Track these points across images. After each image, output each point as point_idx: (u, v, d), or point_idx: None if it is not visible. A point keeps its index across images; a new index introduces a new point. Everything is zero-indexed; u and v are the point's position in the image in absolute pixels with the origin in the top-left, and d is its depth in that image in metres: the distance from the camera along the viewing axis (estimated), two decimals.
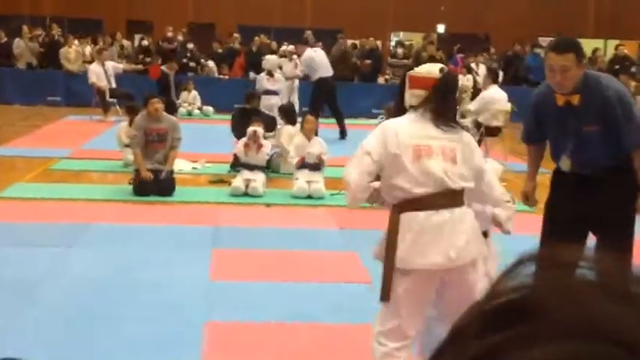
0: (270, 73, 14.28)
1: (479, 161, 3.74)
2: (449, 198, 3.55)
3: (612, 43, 22.83)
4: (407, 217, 3.51)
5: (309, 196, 9.05)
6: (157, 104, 9.20)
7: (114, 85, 17.00)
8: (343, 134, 14.32)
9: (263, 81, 14.32)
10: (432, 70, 3.76)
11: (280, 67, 15.70)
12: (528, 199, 5.02)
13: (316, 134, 9.99)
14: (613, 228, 4.80)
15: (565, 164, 4.09)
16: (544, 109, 4.64)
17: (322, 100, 14.36)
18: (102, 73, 16.90)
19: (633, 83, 15.78)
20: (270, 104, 13.41)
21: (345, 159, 3.99)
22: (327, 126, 12.60)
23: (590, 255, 0.55)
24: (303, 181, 9.17)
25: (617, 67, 18.47)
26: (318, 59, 14.93)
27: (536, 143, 4.77)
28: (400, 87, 3.89)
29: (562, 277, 0.55)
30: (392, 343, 3.53)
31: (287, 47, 18.43)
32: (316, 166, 9.26)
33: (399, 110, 3.82)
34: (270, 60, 14.93)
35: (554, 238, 4.55)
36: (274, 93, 14.11)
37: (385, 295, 3.50)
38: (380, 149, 3.56)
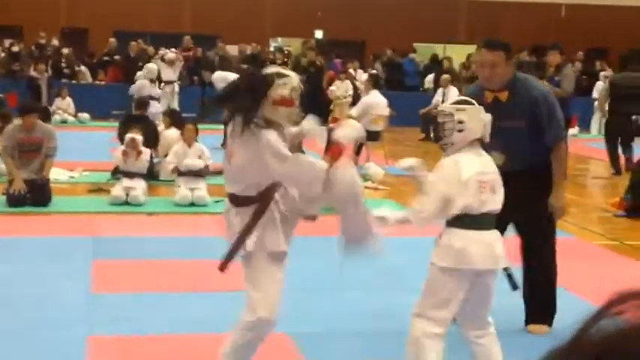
0: (152, 80, 14.14)
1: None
2: None
3: None
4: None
5: (192, 204, 8.90)
6: (34, 119, 8.85)
7: None
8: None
9: (146, 88, 14.09)
10: None
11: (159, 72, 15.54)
12: None
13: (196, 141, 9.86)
14: (533, 225, 5.04)
15: (496, 159, 4.27)
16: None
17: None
18: None
19: None
20: (151, 112, 13.23)
21: None
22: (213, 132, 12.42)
23: None
24: (185, 188, 9.02)
25: None
26: None
27: None
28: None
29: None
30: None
31: (168, 53, 18.18)
32: (198, 173, 9.12)
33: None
34: (150, 68, 14.77)
35: None
36: (155, 99, 13.97)
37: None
38: None
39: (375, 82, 13.24)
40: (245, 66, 18.47)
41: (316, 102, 19.08)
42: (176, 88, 16.18)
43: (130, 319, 5.25)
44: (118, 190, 8.99)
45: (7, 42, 21.63)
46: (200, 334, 5.03)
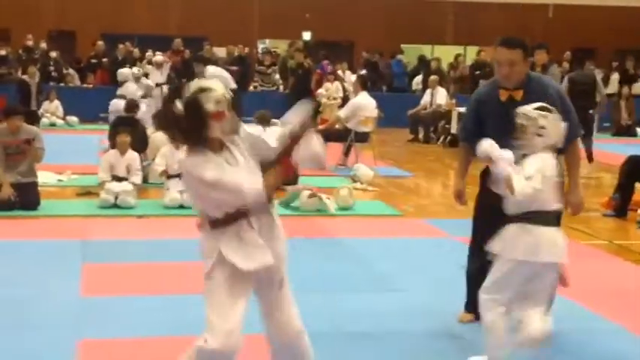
0: (120, 83, 13.96)
1: None
2: None
3: (471, 50, 23.64)
4: None
5: (182, 206, 8.89)
6: (18, 122, 8.82)
7: None
8: None
9: (131, 89, 14.01)
10: None
11: (146, 76, 15.39)
12: (460, 198, 5.28)
13: None
14: None
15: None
16: (486, 107, 5.03)
17: None
18: None
19: None
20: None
21: None
22: None
23: None
24: (174, 191, 9.01)
25: (477, 72, 19.07)
26: None
27: (473, 142, 4.75)
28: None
29: None
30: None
31: (156, 55, 18.17)
32: None
33: None
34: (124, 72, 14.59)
35: (481, 234, 4.83)
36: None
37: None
38: None
39: (363, 84, 13.27)
40: (234, 68, 18.50)
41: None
42: (164, 90, 16.16)
43: (120, 323, 5.24)
44: (107, 193, 8.98)
45: None
46: (190, 336, 5.01)
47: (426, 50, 25.99)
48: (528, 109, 4.33)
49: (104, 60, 20.49)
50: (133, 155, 9.36)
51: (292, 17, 25.44)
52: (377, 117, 13.11)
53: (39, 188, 9.02)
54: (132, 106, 11.44)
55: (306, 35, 25.78)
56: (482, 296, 4.39)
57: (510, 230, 4.31)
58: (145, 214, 8.75)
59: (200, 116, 3.54)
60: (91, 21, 24.20)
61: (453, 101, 17.12)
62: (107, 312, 5.47)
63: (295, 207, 9.06)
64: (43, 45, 21.16)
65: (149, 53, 19.85)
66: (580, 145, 10.81)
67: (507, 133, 4.31)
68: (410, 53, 25.05)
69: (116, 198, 8.96)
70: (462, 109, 16.36)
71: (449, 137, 16.37)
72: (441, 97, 17.26)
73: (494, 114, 4.91)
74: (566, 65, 20.14)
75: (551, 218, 4.30)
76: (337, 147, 12.67)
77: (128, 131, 9.62)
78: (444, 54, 23.40)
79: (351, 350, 4.93)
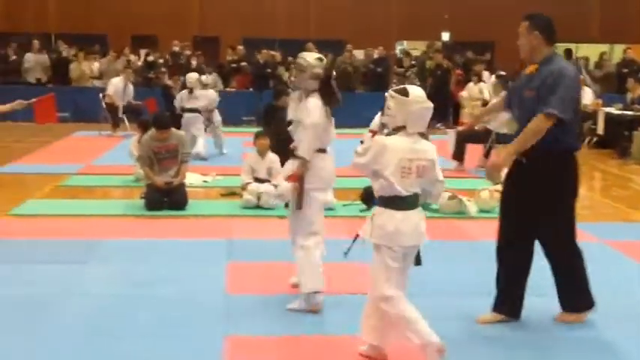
0: (190, 91, 13.79)
1: None
2: None
3: (618, 48, 22.81)
4: None
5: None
6: (165, 134, 9.17)
7: (125, 103, 16.99)
8: None
9: (184, 99, 13.75)
10: None
11: (206, 85, 15.00)
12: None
13: None
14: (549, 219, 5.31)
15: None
16: (518, 83, 5.36)
17: None
18: (121, 90, 16.92)
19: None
20: (188, 122, 13.31)
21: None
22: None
23: None
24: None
25: (625, 70, 18.38)
26: None
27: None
28: None
29: None
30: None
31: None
32: None
33: None
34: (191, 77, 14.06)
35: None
36: (196, 111, 13.59)
37: None
38: None
39: (504, 84, 13.03)
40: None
41: (441, 104, 18.96)
42: None
43: (265, 320, 5.36)
44: (249, 194, 9.20)
45: (142, 52, 22.51)
46: (334, 336, 5.09)
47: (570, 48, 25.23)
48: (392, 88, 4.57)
49: (242, 64, 20.96)
50: (273, 157, 9.53)
51: (430, 18, 25.26)
52: None
53: (186, 189, 9.36)
54: (281, 93, 11.14)
55: (445, 36, 25.56)
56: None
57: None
58: (285, 215, 8.89)
59: None
60: (233, 26, 24.81)
61: (599, 101, 16.55)
62: (252, 309, 5.60)
63: (435, 209, 9.00)
64: (188, 51, 21.87)
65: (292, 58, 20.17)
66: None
67: (517, 104, 5.09)
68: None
69: (259, 199, 9.17)
70: (609, 109, 15.82)
71: (595, 138, 15.85)
72: (587, 97, 16.73)
73: (516, 84, 5.37)
74: None
75: (401, 203, 4.39)
76: (477, 148, 12.50)
77: (267, 134, 9.78)
78: (589, 52, 22.67)
79: (488, 355, 4.87)
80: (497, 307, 5.30)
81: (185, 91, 13.78)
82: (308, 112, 5.45)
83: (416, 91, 4.48)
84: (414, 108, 4.40)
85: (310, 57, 5.65)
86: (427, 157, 4.45)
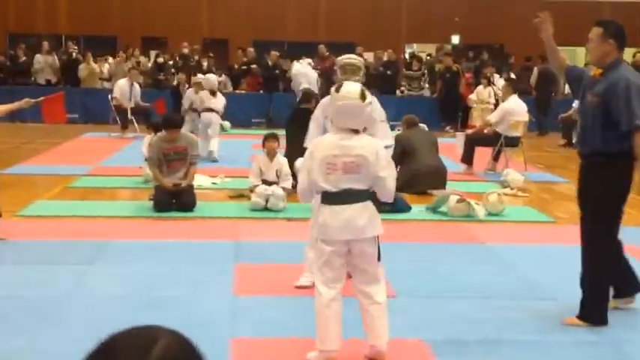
0: (212, 92, 13.85)
1: None
2: None
3: (628, 52, 22.68)
4: None
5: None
6: (176, 133, 9.19)
7: (132, 105, 17.02)
8: None
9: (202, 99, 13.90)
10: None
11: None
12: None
13: None
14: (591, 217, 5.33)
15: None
16: (585, 78, 5.40)
17: None
18: (127, 92, 16.95)
19: None
20: (210, 121, 13.47)
21: None
22: None
23: None
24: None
25: None
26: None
27: (569, 72, 5.59)
28: None
29: None
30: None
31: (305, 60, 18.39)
32: None
33: None
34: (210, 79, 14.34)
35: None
36: (214, 111, 13.75)
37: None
38: None
39: (513, 87, 13.03)
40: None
41: (450, 107, 18.94)
42: None
43: (271, 322, 5.36)
44: (258, 197, 9.20)
45: (152, 53, 22.58)
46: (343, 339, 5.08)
47: (580, 53, 25.16)
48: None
49: (252, 67, 20.99)
50: (282, 160, 9.53)
51: (440, 21, 25.25)
52: (527, 121, 12.84)
53: (194, 190, 9.37)
54: (309, 96, 11.20)
55: (455, 39, 25.53)
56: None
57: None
58: (294, 217, 8.91)
59: None
60: (243, 29, 24.85)
61: None
62: (259, 311, 5.60)
63: (443, 212, 8.99)
64: (196, 56, 21.92)
65: (303, 60, 20.18)
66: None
67: (580, 109, 5.33)
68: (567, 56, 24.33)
69: (267, 201, 9.18)
70: None
71: None
72: None
73: (583, 86, 5.40)
74: None
75: (331, 198, 4.48)
76: (486, 152, 12.49)
77: (276, 138, 9.76)
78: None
79: (512, 355, 4.85)
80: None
81: (206, 92, 13.91)
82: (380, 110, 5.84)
83: (348, 87, 4.50)
84: (339, 103, 4.43)
85: (359, 61, 6.30)
86: (356, 153, 4.41)
